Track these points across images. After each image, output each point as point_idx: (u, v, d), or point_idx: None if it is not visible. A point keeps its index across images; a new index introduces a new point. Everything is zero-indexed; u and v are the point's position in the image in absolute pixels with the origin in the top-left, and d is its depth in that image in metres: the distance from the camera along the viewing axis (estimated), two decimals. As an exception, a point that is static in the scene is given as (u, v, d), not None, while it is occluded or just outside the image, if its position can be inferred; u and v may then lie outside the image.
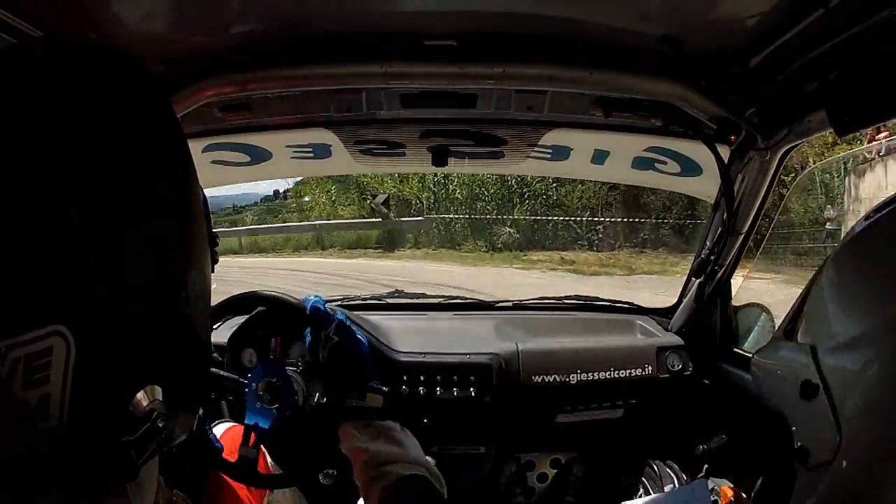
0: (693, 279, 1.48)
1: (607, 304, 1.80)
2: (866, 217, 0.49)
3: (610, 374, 1.45)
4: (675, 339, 1.51)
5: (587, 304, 1.77)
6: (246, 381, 1.08)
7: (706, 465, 1.35)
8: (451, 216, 12.68)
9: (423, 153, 1.50)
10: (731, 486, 1.23)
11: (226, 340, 1.18)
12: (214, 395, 1.07)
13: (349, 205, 14.51)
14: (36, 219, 0.32)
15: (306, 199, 15.27)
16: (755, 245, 1.44)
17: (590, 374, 1.44)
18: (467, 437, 1.45)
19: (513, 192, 12.43)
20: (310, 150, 1.51)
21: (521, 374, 1.43)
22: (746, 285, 1.59)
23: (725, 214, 1.26)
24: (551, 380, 1.44)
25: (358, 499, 1.14)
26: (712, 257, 1.36)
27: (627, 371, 1.46)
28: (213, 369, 1.02)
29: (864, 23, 0.72)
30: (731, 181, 1.22)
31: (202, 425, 0.99)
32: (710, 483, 1.20)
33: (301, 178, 14.19)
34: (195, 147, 1.37)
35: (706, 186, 1.43)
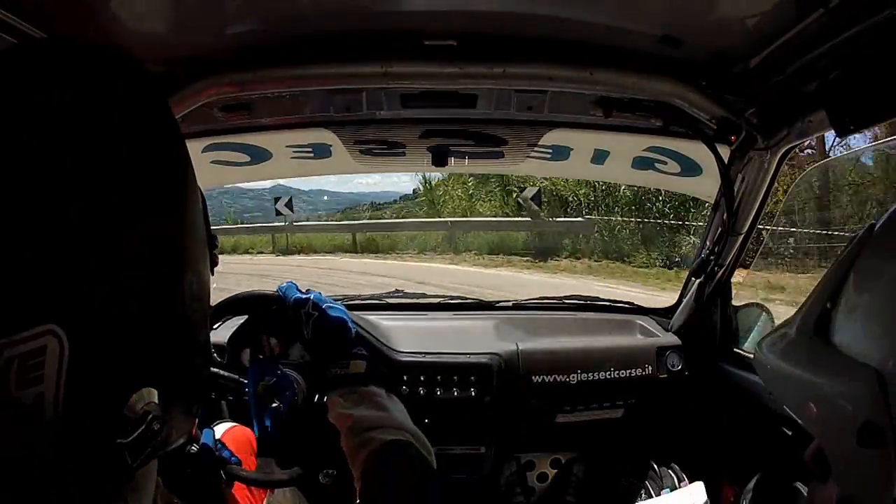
0: (693, 279, 1.48)
1: (607, 304, 1.80)
2: None
3: (610, 374, 1.45)
4: (675, 339, 1.51)
5: (587, 304, 1.77)
6: (246, 381, 1.08)
7: (706, 466, 1.35)
8: (618, 219, 9.75)
9: (423, 153, 1.50)
10: (731, 486, 1.24)
11: (226, 340, 1.18)
12: (214, 395, 1.07)
13: (489, 200, 11.81)
14: (30, 218, 0.32)
15: (439, 191, 12.73)
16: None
17: (590, 374, 1.44)
18: (467, 437, 1.45)
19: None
20: (310, 150, 1.51)
21: (521, 375, 1.43)
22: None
23: (725, 214, 1.26)
24: (551, 380, 1.44)
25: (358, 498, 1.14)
26: (712, 257, 1.36)
27: (627, 371, 1.46)
28: (213, 369, 1.02)
29: (864, 23, 0.72)
30: (731, 181, 1.22)
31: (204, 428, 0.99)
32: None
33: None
34: (195, 147, 1.37)
35: (706, 186, 1.43)
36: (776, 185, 1.24)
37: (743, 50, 0.94)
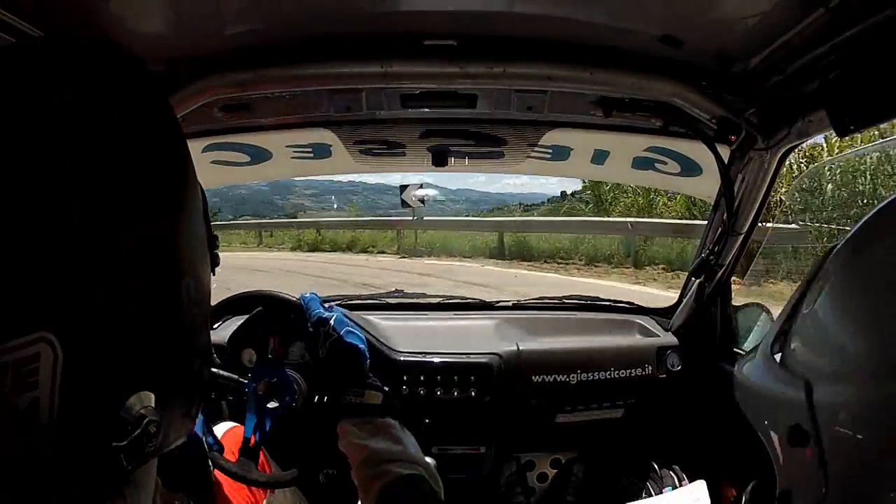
0: (693, 279, 1.48)
1: (607, 304, 1.80)
2: (865, 221, 0.43)
3: (610, 374, 1.45)
4: (675, 340, 1.52)
5: (587, 304, 1.77)
6: (246, 381, 1.08)
7: (706, 466, 1.35)
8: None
9: (423, 153, 1.50)
10: (731, 486, 1.24)
11: (226, 340, 1.18)
12: (214, 395, 1.07)
13: (672, 196, 8.41)
14: (22, 222, 0.32)
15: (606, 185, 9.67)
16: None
17: (590, 374, 1.44)
18: (467, 437, 1.45)
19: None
20: (310, 150, 1.51)
21: (521, 374, 1.43)
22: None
23: (725, 214, 1.26)
24: (551, 380, 1.44)
25: (358, 499, 1.14)
26: (712, 257, 1.36)
27: (627, 371, 1.46)
28: (213, 370, 1.02)
29: (864, 23, 0.72)
30: (731, 181, 1.22)
31: (206, 428, 0.99)
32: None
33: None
34: (195, 147, 1.37)
35: (706, 186, 1.43)
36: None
37: (743, 50, 0.94)
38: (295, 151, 1.52)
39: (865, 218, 0.43)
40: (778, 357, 0.48)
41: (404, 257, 10.26)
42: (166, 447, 0.41)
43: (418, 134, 1.41)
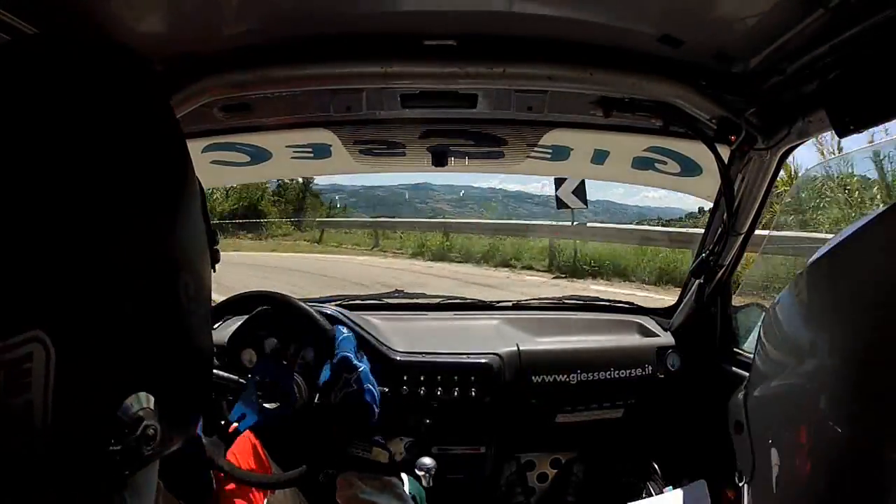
0: (693, 279, 1.48)
1: (607, 304, 1.80)
2: (810, 261, 0.52)
3: (610, 374, 1.45)
4: (675, 340, 1.51)
5: (587, 304, 1.77)
6: (246, 381, 1.08)
7: (706, 465, 1.35)
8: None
9: (423, 153, 1.50)
10: (731, 487, 1.23)
11: (226, 340, 1.18)
12: (214, 394, 1.07)
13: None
14: (13, 219, 0.31)
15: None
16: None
17: (590, 374, 1.44)
18: (467, 437, 1.45)
19: None
20: (310, 150, 1.51)
21: (521, 374, 1.43)
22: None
23: (725, 214, 1.26)
24: (551, 380, 1.44)
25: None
26: (712, 257, 1.36)
27: (627, 371, 1.46)
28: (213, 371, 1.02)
29: (864, 23, 0.72)
30: (731, 181, 1.22)
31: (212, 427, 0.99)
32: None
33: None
34: (195, 147, 1.37)
35: (706, 186, 1.43)
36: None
37: (743, 50, 0.93)
38: (295, 151, 1.52)
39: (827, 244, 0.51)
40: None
41: (561, 277, 7.50)
42: (168, 450, 0.40)
43: (418, 134, 1.41)
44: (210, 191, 13.29)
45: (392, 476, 0.88)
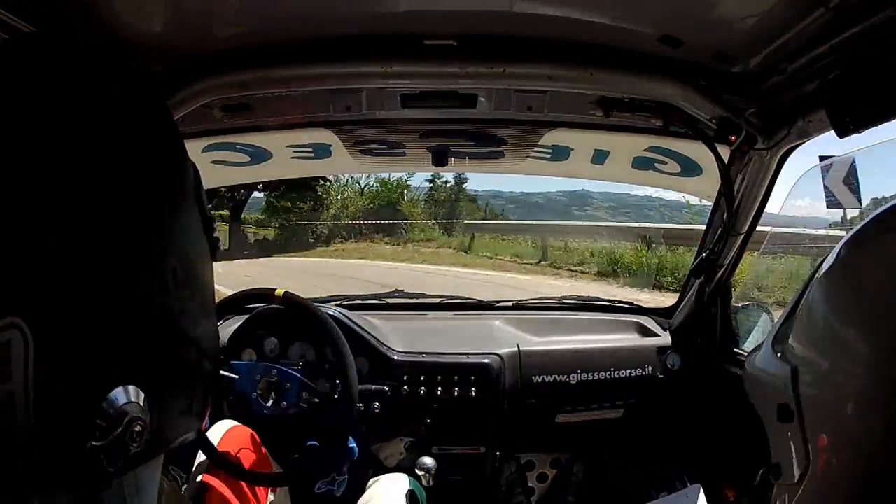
0: (693, 279, 1.48)
1: (607, 304, 1.80)
2: (861, 228, 0.47)
3: (610, 374, 1.45)
4: (676, 340, 1.51)
5: (587, 304, 1.77)
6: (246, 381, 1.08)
7: (706, 466, 1.35)
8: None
9: (423, 153, 1.50)
10: (731, 486, 1.23)
11: (225, 340, 1.18)
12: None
13: None
14: None
15: None
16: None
17: (590, 374, 1.44)
18: (467, 437, 1.45)
19: None
20: (310, 150, 1.51)
21: (521, 374, 1.43)
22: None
23: (725, 214, 1.26)
24: (551, 380, 1.44)
25: (358, 499, 1.14)
26: (712, 257, 1.36)
27: (627, 371, 1.46)
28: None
29: (864, 23, 0.72)
30: (731, 181, 1.22)
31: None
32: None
33: None
34: (195, 147, 1.37)
35: (706, 186, 1.43)
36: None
37: (743, 50, 0.93)
38: (295, 151, 1.52)
39: (864, 221, 0.46)
40: (777, 349, 0.54)
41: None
42: (165, 447, 0.39)
43: (418, 134, 1.41)
44: (342, 187, 11.91)
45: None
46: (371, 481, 1.22)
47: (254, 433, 1.15)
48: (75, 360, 0.33)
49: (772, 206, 1.28)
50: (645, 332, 1.60)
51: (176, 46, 0.95)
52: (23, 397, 0.30)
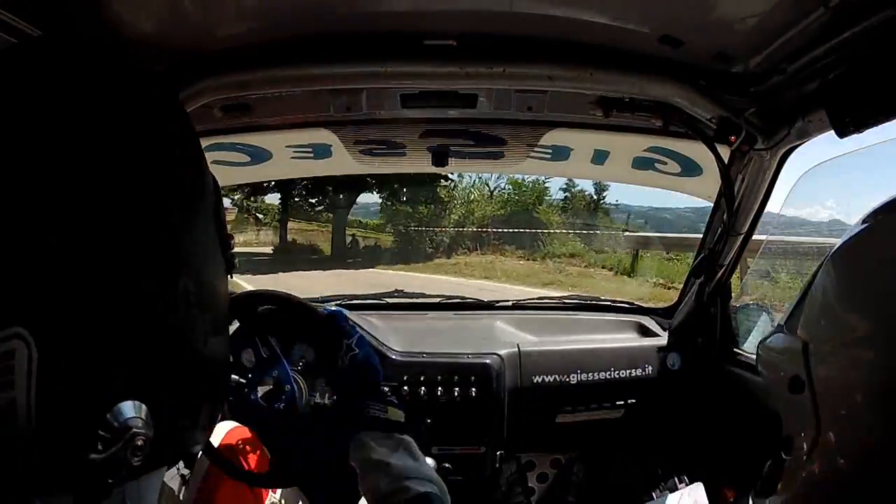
0: (693, 279, 1.48)
1: (607, 304, 1.80)
2: (870, 214, 0.48)
3: (610, 374, 1.45)
4: (676, 339, 1.51)
5: (587, 304, 1.77)
6: (246, 381, 1.08)
7: (706, 466, 1.35)
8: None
9: (423, 153, 1.50)
10: (731, 486, 1.23)
11: None
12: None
13: None
14: None
15: None
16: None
17: (590, 374, 1.44)
18: (467, 437, 1.45)
19: None
20: (310, 150, 1.51)
21: (521, 374, 1.43)
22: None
23: (725, 214, 1.26)
24: (551, 380, 1.44)
25: (358, 500, 1.14)
26: (712, 257, 1.36)
27: (627, 371, 1.46)
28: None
29: (864, 23, 0.72)
30: (731, 181, 1.22)
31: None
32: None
33: None
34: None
35: (706, 186, 1.43)
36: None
37: (743, 50, 0.93)
38: (295, 151, 1.52)
39: (877, 205, 0.48)
40: (788, 328, 0.57)
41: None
42: (169, 460, 0.39)
43: (418, 134, 1.41)
44: (468, 188, 10.09)
45: (406, 435, 0.87)
46: None
47: (254, 434, 1.15)
48: (80, 373, 0.33)
49: (772, 206, 1.28)
50: (645, 332, 1.60)
51: (176, 46, 0.95)
52: (25, 406, 0.30)
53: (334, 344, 0.99)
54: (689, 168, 1.46)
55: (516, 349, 1.46)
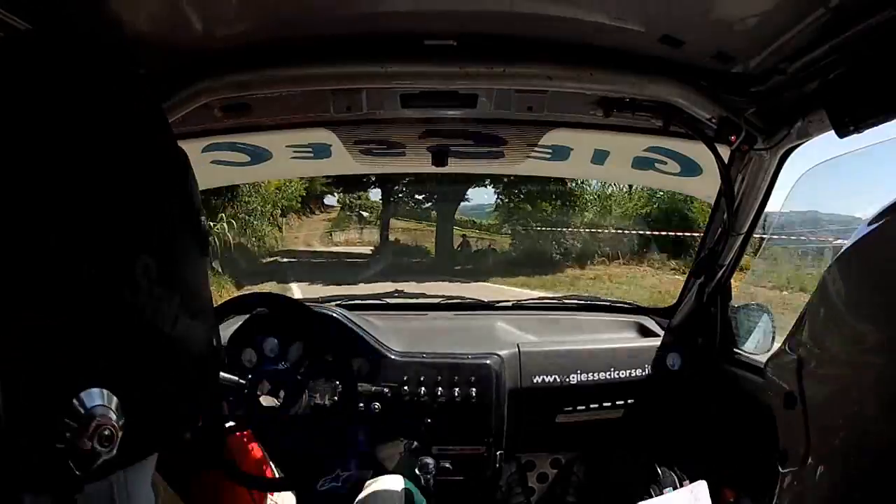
0: (693, 279, 1.48)
1: (607, 304, 1.80)
2: (878, 215, 0.47)
3: (610, 374, 1.45)
4: (676, 339, 1.51)
5: (587, 304, 1.77)
6: (245, 382, 1.08)
7: (706, 466, 1.35)
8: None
9: (423, 153, 1.50)
10: (731, 486, 1.23)
11: (226, 341, 1.18)
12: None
13: None
14: None
15: None
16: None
17: (590, 375, 1.44)
18: (467, 437, 1.45)
19: None
20: (310, 150, 1.51)
21: (521, 374, 1.43)
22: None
23: (725, 214, 1.26)
24: (551, 380, 1.44)
25: (354, 500, 1.14)
26: (712, 257, 1.36)
27: (627, 371, 1.46)
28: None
29: (864, 23, 0.72)
30: (731, 181, 1.22)
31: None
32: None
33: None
34: (195, 147, 1.37)
35: (706, 186, 1.43)
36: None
37: (743, 50, 0.93)
38: (295, 151, 1.52)
39: (879, 209, 0.47)
40: (787, 345, 0.57)
41: None
42: (145, 453, 0.38)
43: (418, 134, 1.41)
44: (608, 192, 8.44)
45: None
46: (368, 482, 1.22)
47: (253, 434, 1.15)
48: (33, 356, 0.31)
49: (772, 206, 1.28)
50: (645, 331, 1.60)
51: (176, 46, 0.95)
52: None
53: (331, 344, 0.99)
54: (689, 168, 1.46)
55: (516, 349, 1.46)
